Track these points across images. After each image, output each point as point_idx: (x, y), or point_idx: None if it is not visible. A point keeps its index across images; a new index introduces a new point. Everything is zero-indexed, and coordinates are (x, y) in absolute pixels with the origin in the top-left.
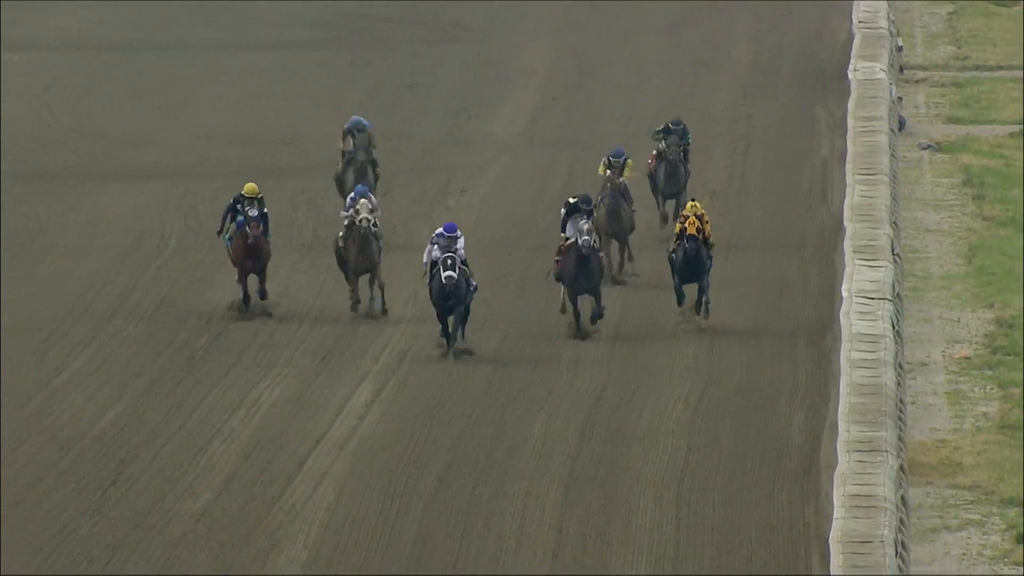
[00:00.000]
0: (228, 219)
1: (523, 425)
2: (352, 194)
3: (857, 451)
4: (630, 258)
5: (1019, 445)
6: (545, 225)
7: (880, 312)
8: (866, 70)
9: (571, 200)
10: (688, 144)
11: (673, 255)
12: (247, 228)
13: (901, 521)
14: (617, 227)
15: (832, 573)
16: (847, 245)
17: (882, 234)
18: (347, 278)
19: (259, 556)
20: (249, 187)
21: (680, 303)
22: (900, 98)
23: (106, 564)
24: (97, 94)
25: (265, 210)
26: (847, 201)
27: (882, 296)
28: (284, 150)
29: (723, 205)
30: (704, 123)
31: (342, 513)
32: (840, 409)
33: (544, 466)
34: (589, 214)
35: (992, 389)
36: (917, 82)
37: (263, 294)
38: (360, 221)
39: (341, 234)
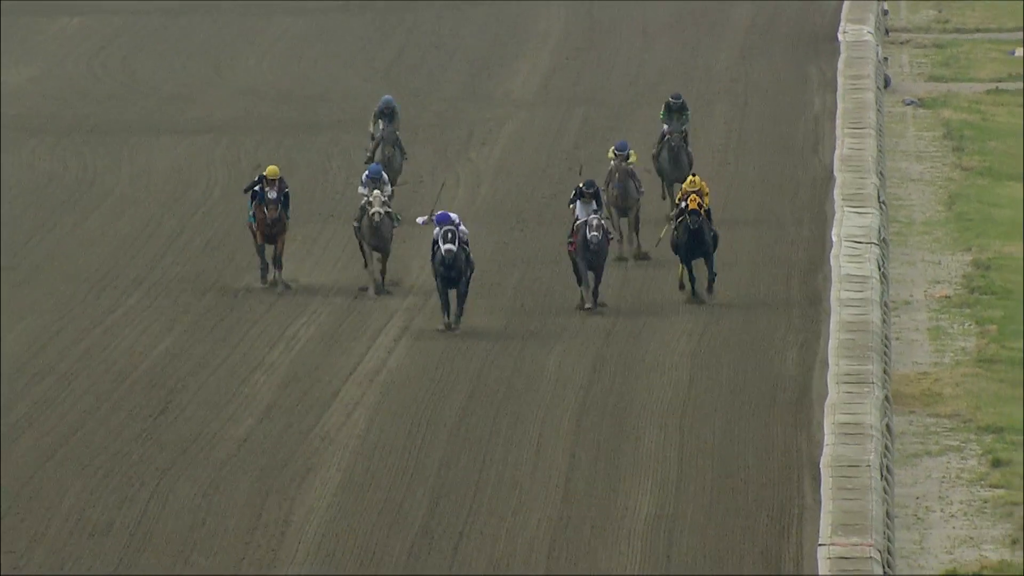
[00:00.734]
0: (251, 197)
1: (539, 359)
2: (366, 173)
3: (846, 383)
4: (635, 242)
5: (995, 377)
6: (558, 175)
7: (867, 255)
8: (854, 32)
9: (579, 186)
10: (687, 121)
11: (676, 232)
12: (265, 210)
13: (886, 447)
14: (625, 205)
15: (822, 494)
16: (837, 193)
17: (869, 183)
18: (363, 254)
19: (296, 478)
20: (271, 169)
21: (688, 283)
22: (886, 58)
23: (156, 485)
24: (147, 54)
25: (287, 190)
26: (837, 153)
27: (869, 240)
28: (318, 105)
29: (723, 157)
30: (706, 81)
31: (372, 440)
32: (830, 345)
33: (558, 397)
34: (595, 196)
35: (970, 326)
36: (901, 43)
37: (278, 263)
38: (373, 215)
39: (356, 216)
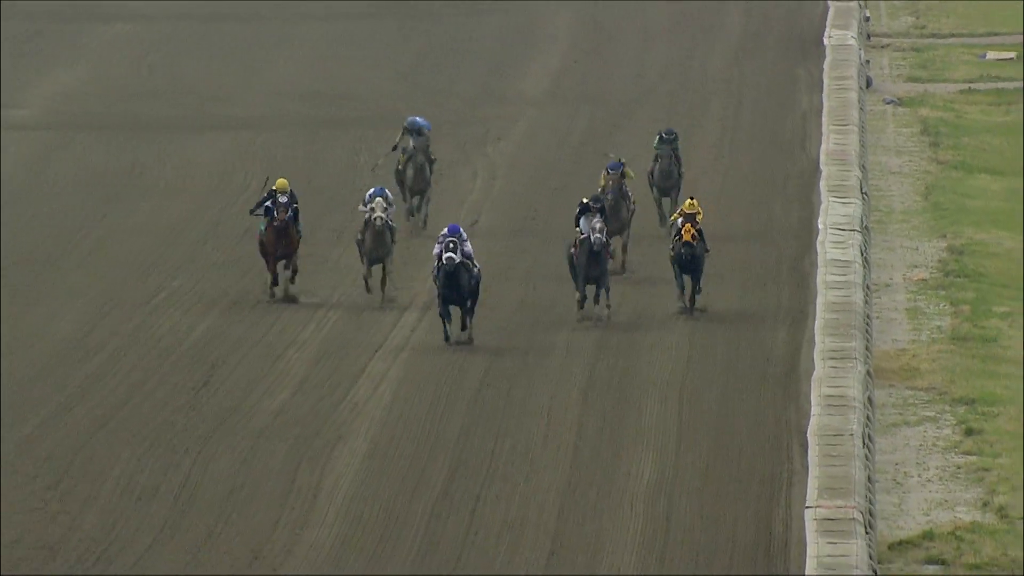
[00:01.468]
0: (262, 212)
1: (549, 337)
2: (370, 191)
3: (831, 359)
4: (623, 260)
5: (968, 353)
6: (567, 168)
7: (850, 241)
8: (839, 37)
9: (584, 200)
10: (678, 150)
11: (672, 252)
12: (275, 213)
13: (868, 417)
14: (616, 224)
15: (809, 461)
16: (823, 185)
17: (852, 176)
18: (363, 263)
19: (326, 447)
20: (280, 183)
21: (681, 293)
22: (868, 61)
23: (198, 453)
24: (189, 57)
25: (296, 204)
26: (823, 147)
27: (852, 228)
28: (345, 104)
29: (718, 151)
30: (702, 81)
31: (397, 411)
32: (816, 324)
33: (567, 372)
34: (600, 211)
35: (945, 306)
36: (882, 47)
37: (292, 276)
38: (375, 220)
39: (360, 229)
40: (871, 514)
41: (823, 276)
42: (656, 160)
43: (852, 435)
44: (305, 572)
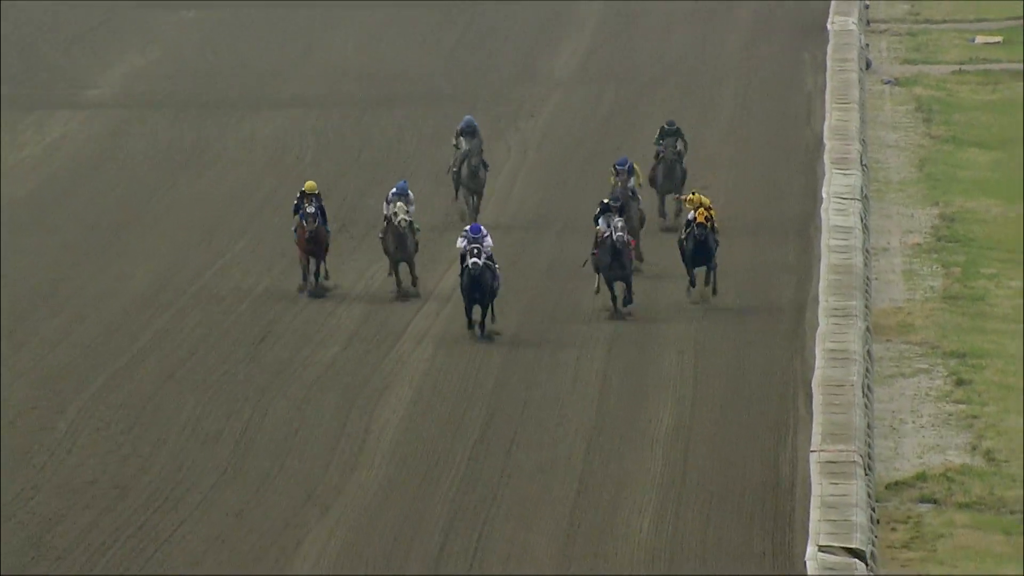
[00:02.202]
0: (294, 212)
1: (577, 297)
2: (392, 190)
3: (833, 316)
4: (640, 258)
5: (958, 311)
6: (593, 144)
7: (851, 209)
8: (841, 23)
9: (604, 201)
10: (686, 142)
11: (684, 241)
12: (304, 223)
13: (867, 369)
14: (628, 225)
15: (814, 409)
16: (826, 157)
17: (853, 149)
18: (389, 263)
19: (374, 395)
20: (309, 185)
21: (692, 285)
22: (867, 44)
23: (257, 401)
24: (249, 40)
25: (322, 204)
26: (826, 123)
27: (853, 197)
28: (394, 83)
29: (731, 127)
30: (717, 64)
31: (438, 364)
32: (820, 284)
33: (593, 329)
34: (620, 210)
35: (937, 268)
36: (880, 32)
37: (325, 275)
38: (399, 222)
39: (382, 228)
40: (870, 457)
41: (826, 240)
42: (658, 158)
43: (853, 385)
44: (354, 510)
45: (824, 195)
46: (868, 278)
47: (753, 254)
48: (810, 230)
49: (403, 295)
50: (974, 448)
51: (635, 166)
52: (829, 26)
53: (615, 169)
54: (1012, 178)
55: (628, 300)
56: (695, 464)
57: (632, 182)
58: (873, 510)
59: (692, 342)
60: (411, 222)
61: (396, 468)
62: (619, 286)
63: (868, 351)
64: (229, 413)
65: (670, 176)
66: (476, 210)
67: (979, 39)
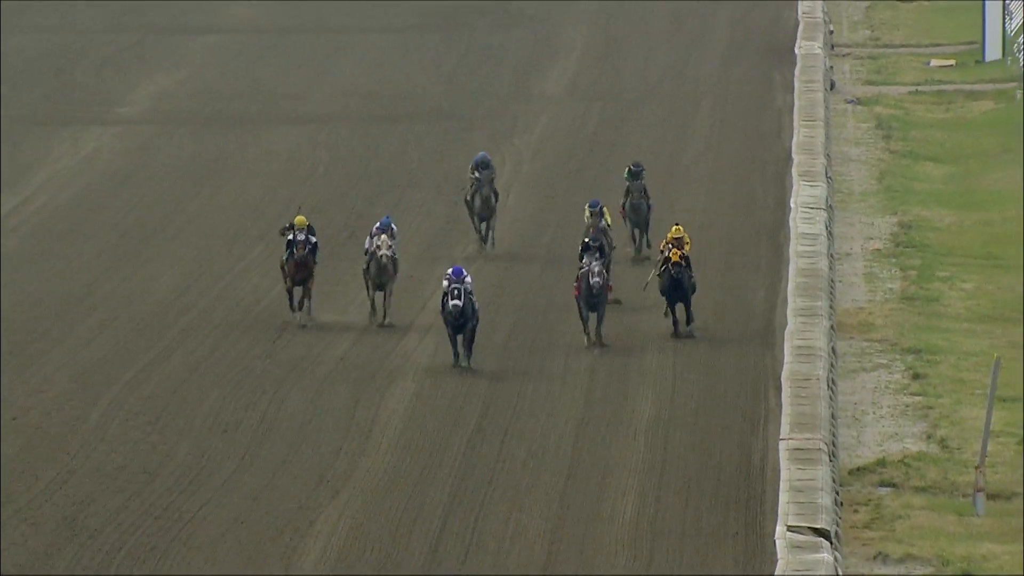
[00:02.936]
0: (286, 245)
1: (567, 298)
2: (376, 224)
3: (801, 315)
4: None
5: (915, 311)
6: (582, 156)
7: (817, 218)
8: (807, 47)
9: (585, 240)
10: (645, 187)
11: (660, 278)
12: (294, 250)
13: (832, 365)
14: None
15: (783, 400)
16: (794, 170)
17: (819, 163)
18: (368, 290)
19: (381, 388)
20: (299, 219)
21: (672, 324)
22: (831, 67)
23: (274, 393)
24: (266, 63)
25: (314, 238)
26: (794, 139)
27: (819, 206)
28: (399, 102)
29: (707, 142)
30: (695, 82)
31: (439, 358)
32: (789, 286)
33: (580, 330)
34: (600, 250)
35: (896, 271)
36: (844, 56)
37: (308, 302)
38: (381, 256)
39: (366, 260)
40: (834, 445)
41: (794, 247)
42: (627, 194)
43: (819, 379)
44: (362, 493)
45: (792, 205)
46: (832, 281)
47: (728, 256)
48: (780, 237)
49: (377, 323)
50: (929, 436)
51: (605, 209)
52: (797, 50)
53: (588, 209)
54: (964, 190)
55: (599, 334)
56: (674, 452)
57: (602, 223)
58: (837, 493)
59: (671, 339)
60: (393, 256)
61: (400, 454)
62: (594, 317)
63: (833, 348)
64: (248, 405)
65: (637, 211)
66: (487, 235)
67: (934, 62)
